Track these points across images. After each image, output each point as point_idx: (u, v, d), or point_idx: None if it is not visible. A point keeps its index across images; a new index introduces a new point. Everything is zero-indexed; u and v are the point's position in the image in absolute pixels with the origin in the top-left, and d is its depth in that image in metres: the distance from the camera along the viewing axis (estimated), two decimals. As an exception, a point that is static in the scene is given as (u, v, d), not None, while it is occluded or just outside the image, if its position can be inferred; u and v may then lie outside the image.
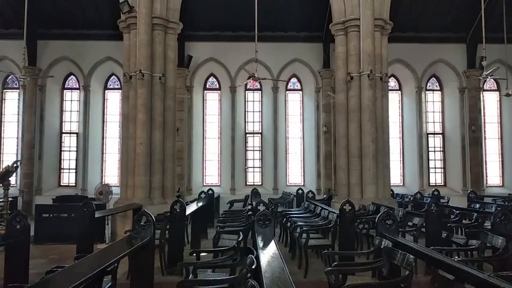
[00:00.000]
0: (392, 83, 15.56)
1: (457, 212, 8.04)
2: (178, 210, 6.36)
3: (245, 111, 15.70)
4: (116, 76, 15.49)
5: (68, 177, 15.23)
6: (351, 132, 10.04)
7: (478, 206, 10.09)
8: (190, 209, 7.85)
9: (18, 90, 15.36)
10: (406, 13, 13.61)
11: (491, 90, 16.00)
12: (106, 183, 10.64)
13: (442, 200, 11.99)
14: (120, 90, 14.68)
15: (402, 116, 15.85)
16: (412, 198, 12.02)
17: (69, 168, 15.24)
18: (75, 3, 13.53)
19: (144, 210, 4.81)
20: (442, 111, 15.90)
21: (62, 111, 15.44)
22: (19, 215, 4.95)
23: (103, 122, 15.48)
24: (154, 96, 9.81)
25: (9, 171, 7.90)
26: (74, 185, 15.04)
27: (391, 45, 10.80)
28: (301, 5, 13.68)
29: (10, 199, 9.04)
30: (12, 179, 9.26)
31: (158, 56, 9.90)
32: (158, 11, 9.91)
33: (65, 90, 15.56)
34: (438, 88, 16.02)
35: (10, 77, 15.19)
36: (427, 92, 15.91)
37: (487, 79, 13.44)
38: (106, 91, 15.72)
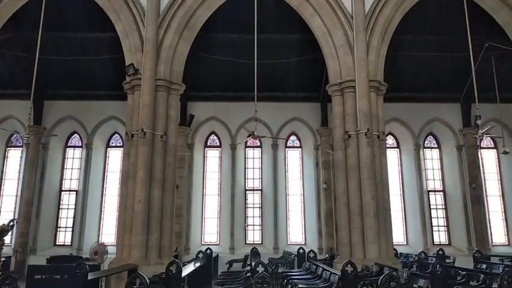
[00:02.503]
0: (390, 140, 15.76)
1: (463, 273, 7.73)
2: (174, 272, 6.14)
3: (245, 168, 15.73)
4: (119, 134, 15.73)
5: (64, 236, 14.86)
6: (350, 190, 9.98)
7: (484, 266, 9.72)
8: (187, 270, 7.58)
9: (21, 148, 15.49)
10: (400, 75, 14.12)
11: (488, 148, 16.12)
12: (102, 243, 10.41)
13: (447, 260, 11.59)
14: (122, 148, 14.83)
15: (402, 173, 15.83)
16: (416, 258, 11.63)
17: (65, 227, 14.93)
18: (84, 65, 14.10)
19: (138, 272, 4.65)
20: (442, 169, 15.91)
21: (63, 169, 15.46)
22: (9, 277, 4.78)
23: (103, 179, 15.44)
24: (155, 154, 9.90)
25: (4, 230, 7.75)
26: (69, 244, 14.63)
27: (387, 104, 11.09)
28: (300, 67, 14.26)
29: (3, 259, 8.77)
30: (7, 238, 9.06)
31: (160, 116, 10.14)
32: (162, 74, 10.32)
33: (67, 148, 15.72)
34: (436, 146, 16.18)
35: (14, 136, 15.42)
36: (425, 149, 16.03)
37: (483, 137, 13.62)
38: (108, 149, 15.88)
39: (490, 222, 15.25)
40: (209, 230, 15.19)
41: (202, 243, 14.84)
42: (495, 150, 15.94)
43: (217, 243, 14.92)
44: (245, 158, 15.87)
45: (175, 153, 10.46)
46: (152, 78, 10.14)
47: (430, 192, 15.63)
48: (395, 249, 11.00)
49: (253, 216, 15.33)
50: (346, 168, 10.15)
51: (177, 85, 10.59)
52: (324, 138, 15.23)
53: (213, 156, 16.00)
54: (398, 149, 16.16)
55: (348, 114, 10.34)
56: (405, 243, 15.10)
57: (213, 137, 16.12)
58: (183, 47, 10.78)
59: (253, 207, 15.40)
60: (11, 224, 8.01)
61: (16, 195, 15.02)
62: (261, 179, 15.66)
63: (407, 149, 15.94)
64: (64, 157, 15.59)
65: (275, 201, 15.19)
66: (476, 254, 11.53)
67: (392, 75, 11.82)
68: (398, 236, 14.57)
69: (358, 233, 9.68)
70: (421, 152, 15.86)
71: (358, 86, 10.25)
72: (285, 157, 15.92)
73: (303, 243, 14.90)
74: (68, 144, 15.76)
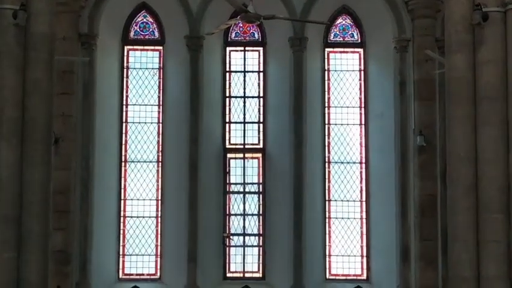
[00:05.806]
0: None
1: None
2: None
3: (224, 97, 15.92)
4: None
5: None
6: (482, 151, 10.07)
7: None
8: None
9: None
10: None
11: None
12: None
13: None
14: None
15: None
16: None
17: None
18: None
19: None
20: None
21: None
22: None
23: None
24: (1, 57, 9.91)
25: None
26: None
27: None
28: None
29: None
30: None
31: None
32: None
33: None
34: None
35: None
36: None
37: None
38: None
39: None
40: (136, 248, 15.54)
41: (120, 276, 15.30)
42: None
43: (157, 276, 15.33)
44: (225, 71, 16.05)
45: (52, 58, 10.46)
46: None
47: None
48: None
49: (244, 214, 15.65)
50: (474, 98, 10.20)
51: None
52: (419, 22, 15.25)
53: (144, 68, 16.12)
54: None
55: (481, -37, 10.25)
56: None
57: (143, 18, 16.19)
58: None
59: (244, 193, 15.69)
60: None
61: None
62: (263, 123, 15.85)
63: None
64: None
65: (297, 179, 15.46)
66: None
67: None
68: None
69: (498, 255, 9.88)
70: None
71: None
72: (325, 70, 16.08)
73: (364, 277, 15.39)
74: None
